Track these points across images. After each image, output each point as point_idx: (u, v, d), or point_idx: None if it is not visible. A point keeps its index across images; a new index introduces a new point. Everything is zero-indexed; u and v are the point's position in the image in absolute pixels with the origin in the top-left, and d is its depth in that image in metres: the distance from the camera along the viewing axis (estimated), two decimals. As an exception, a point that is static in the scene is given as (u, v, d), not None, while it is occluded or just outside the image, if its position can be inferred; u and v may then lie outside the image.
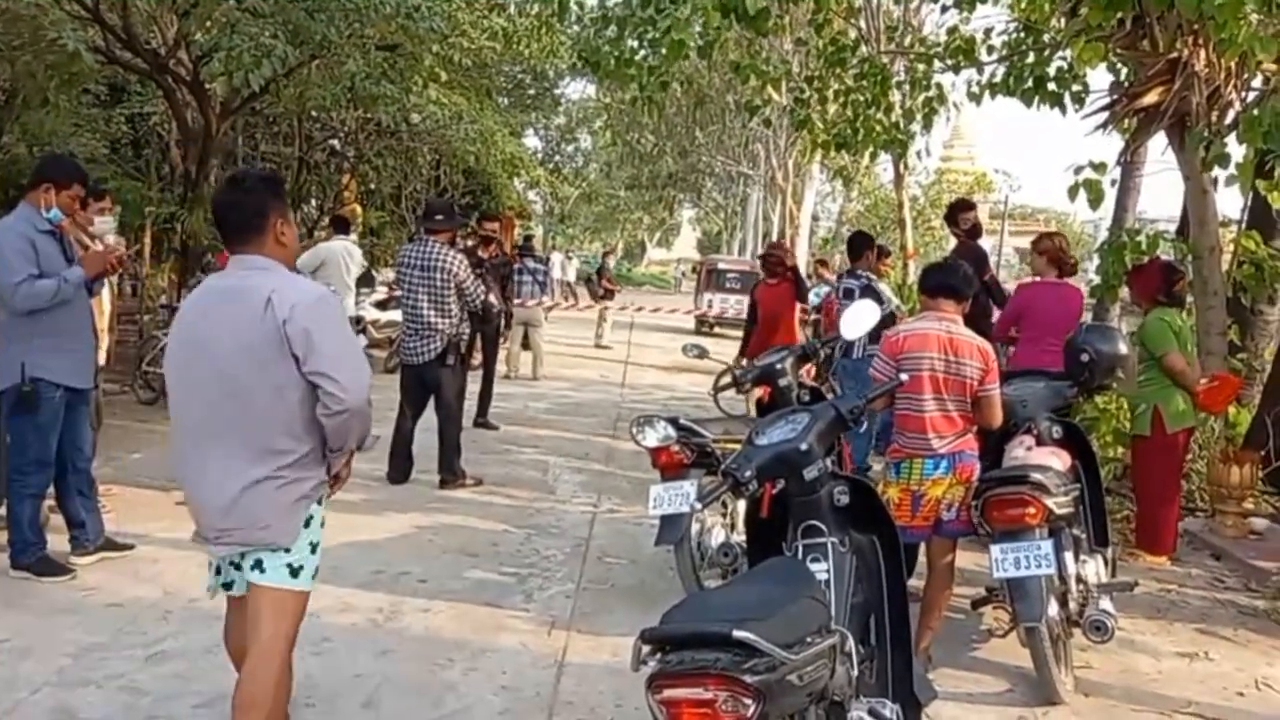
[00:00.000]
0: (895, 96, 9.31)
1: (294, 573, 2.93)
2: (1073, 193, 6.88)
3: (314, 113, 15.76)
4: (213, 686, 3.75)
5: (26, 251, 4.53)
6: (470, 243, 9.52)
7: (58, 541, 4.91)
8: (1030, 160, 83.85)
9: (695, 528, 4.83)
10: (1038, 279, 6.43)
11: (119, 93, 14.52)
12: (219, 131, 12.54)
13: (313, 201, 19.58)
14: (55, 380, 4.66)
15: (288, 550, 2.91)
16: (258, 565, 2.90)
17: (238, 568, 2.96)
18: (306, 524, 2.94)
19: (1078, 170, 6.83)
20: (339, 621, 4.46)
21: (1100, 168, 6.81)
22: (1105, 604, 4.24)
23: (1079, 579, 4.29)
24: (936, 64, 9.01)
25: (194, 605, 4.53)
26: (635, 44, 8.26)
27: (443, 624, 4.54)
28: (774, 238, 27.36)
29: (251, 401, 2.82)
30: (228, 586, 3.03)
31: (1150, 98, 6.90)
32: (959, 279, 4.30)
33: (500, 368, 11.12)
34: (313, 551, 2.97)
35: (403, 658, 4.14)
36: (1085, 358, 4.85)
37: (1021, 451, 4.45)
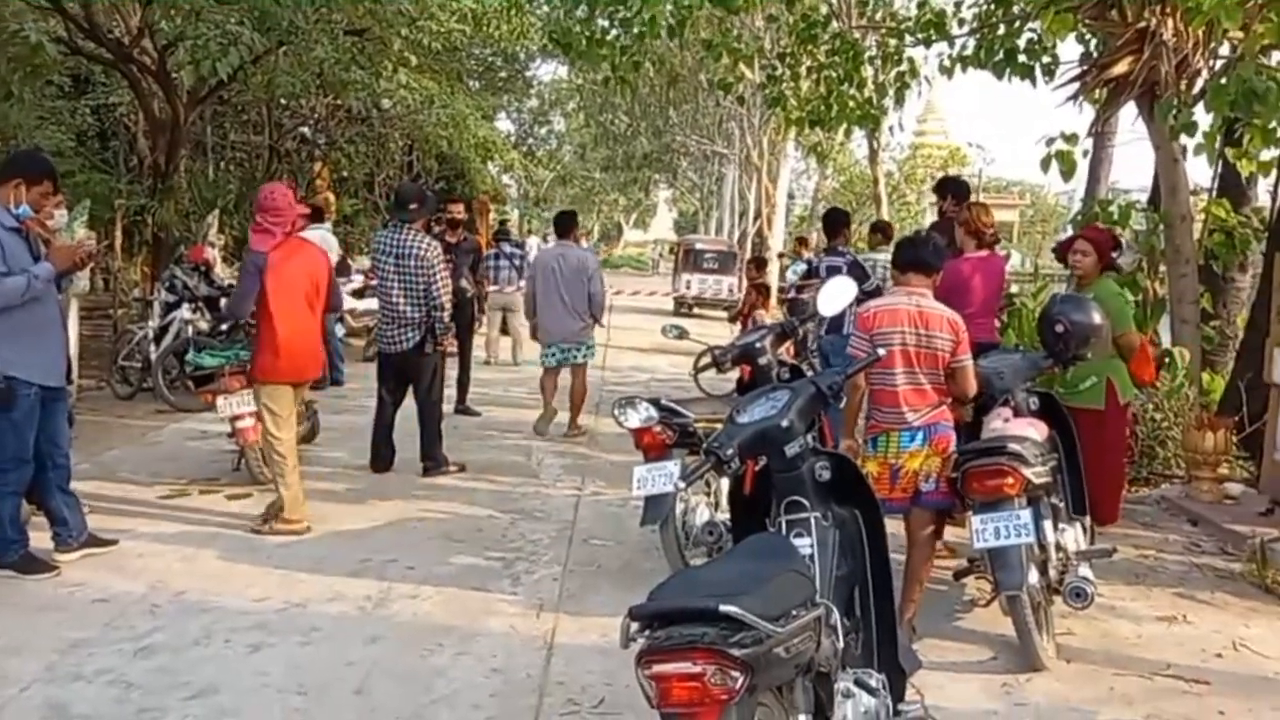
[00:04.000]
0: (868, 72, 9.31)
1: (582, 359, 8.33)
2: (1045, 164, 6.93)
3: (283, 100, 15.61)
4: (202, 679, 3.76)
5: (-5, 248, 4.47)
6: (439, 228, 9.15)
7: (40, 540, 4.89)
8: (1003, 133, 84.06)
9: (680, 507, 4.86)
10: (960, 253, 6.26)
11: (83, 84, 14.32)
12: (187, 121, 12.42)
13: (285, 190, 19.37)
14: (28, 378, 4.61)
15: (583, 349, 8.30)
16: (573, 354, 8.28)
17: (564, 352, 8.24)
18: (590, 345, 8.37)
19: (1049, 142, 6.87)
20: (328, 610, 4.47)
21: (1072, 139, 6.86)
22: (1085, 571, 4.30)
23: (1058, 547, 4.36)
24: (908, 38, 9.02)
25: (181, 598, 4.54)
26: (606, 24, 8.23)
27: (431, 610, 4.55)
28: (750, 217, 27.31)
29: (582, 294, 8.14)
30: (557, 362, 8.29)
31: (1120, 68, 6.95)
32: (927, 253, 4.36)
33: (479, 354, 11.07)
34: (590, 352, 8.39)
35: (392, 644, 4.15)
36: (1060, 329, 4.86)
37: (999, 423, 4.49)
